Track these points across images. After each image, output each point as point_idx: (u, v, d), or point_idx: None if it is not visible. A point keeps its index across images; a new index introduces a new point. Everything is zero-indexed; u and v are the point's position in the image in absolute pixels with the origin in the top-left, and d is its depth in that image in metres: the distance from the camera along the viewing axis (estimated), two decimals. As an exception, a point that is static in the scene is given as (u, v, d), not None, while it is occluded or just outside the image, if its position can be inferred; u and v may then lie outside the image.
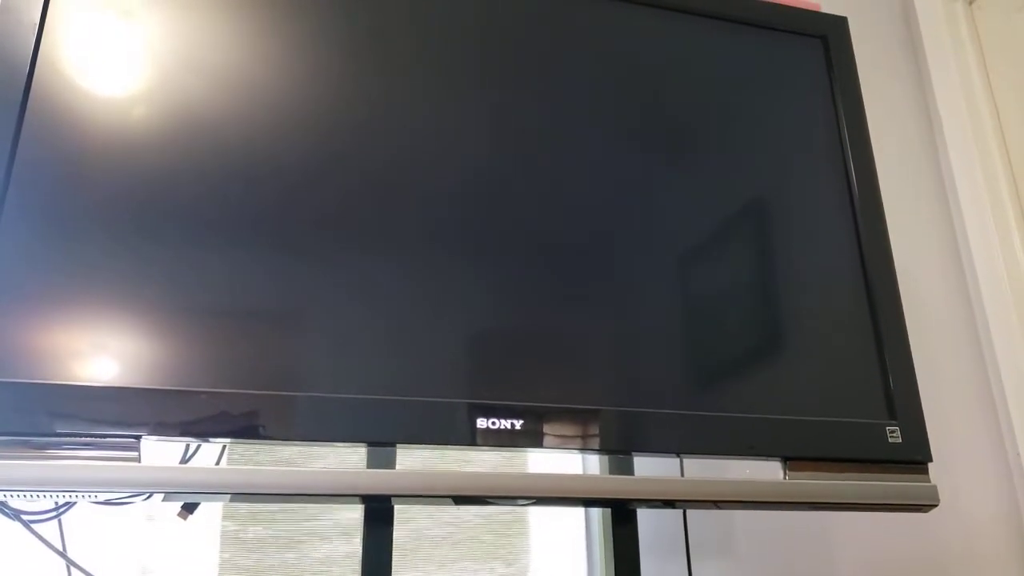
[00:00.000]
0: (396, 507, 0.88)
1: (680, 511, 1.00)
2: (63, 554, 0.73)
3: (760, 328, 0.88)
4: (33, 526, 0.75)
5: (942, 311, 1.39)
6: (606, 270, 0.85)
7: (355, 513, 1.05)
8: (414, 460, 1.09)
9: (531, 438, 0.77)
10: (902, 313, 0.91)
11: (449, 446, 0.77)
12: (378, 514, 0.80)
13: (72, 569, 0.73)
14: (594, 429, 0.78)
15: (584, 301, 0.83)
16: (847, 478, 0.82)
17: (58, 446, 0.64)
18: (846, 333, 0.90)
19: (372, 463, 0.80)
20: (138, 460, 0.66)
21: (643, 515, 0.89)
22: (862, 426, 0.85)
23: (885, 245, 0.95)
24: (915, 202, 1.46)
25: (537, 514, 1.17)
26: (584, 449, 0.81)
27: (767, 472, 0.83)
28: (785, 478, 0.81)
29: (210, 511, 0.95)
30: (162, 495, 0.69)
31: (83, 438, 0.65)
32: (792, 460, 0.82)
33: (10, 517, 0.71)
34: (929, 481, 0.83)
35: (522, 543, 1.13)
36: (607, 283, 0.84)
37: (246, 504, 1.00)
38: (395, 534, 0.81)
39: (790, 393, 0.85)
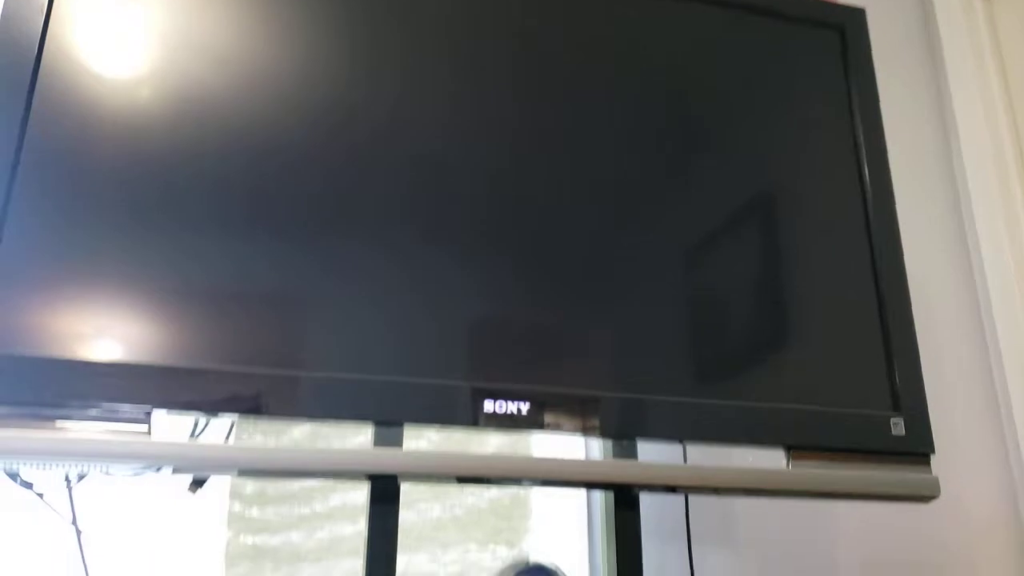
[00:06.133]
0: (401, 489, 0.89)
1: (682, 498, 1.01)
2: (74, 524, 0.75)
3: (767, 318, 0.88)
4: (45, 498, 0.76)
5: (949, 308, 1.39)
6: (615, 256, 0.85)
7: (360, 495, 1.07)
8: (420, 442, 1.10)
9: (536, 422, 0.77)
10: (910, 306, 0.91)
11: (455, 427, 0.78)
12: (384, 493, 0.81)
13: (83, 539, 0.75)
14: (598, 414, 0.79)
15: (592, 287, 0.84)
16: (849, 468, 0.82)
17: (69, 418, 0.65)
18: (853, 325, 0.90)
19: (379, 443, 0.81)
20: (148, 434, 0.67)
21: (645, 500, 0.89)
22: (866, 417, 0.85)
23: (895, 240, 0.95)
24: (926, 198, 1.45)
25: (539, 498, 1.19)
26: (588, 433, 0.82)
27: (770, 461, 0.84)
28: (788, 467, 0.82)
29: (218, 488, 0.96)
30: (171, 468, 0.70)
31: (94, 411, 0.66)
32: (795, 449, 0.83)
33: (24, 487, 0.72)
34: (931, 473, 0.84)
35: (524, 526, 1.14)
36: (615, 270, 0.85)
37: (252, 486, 1.01)
38: (400, 515, 0.82)
39: (795, 383, 0.86)
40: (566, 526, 1.18)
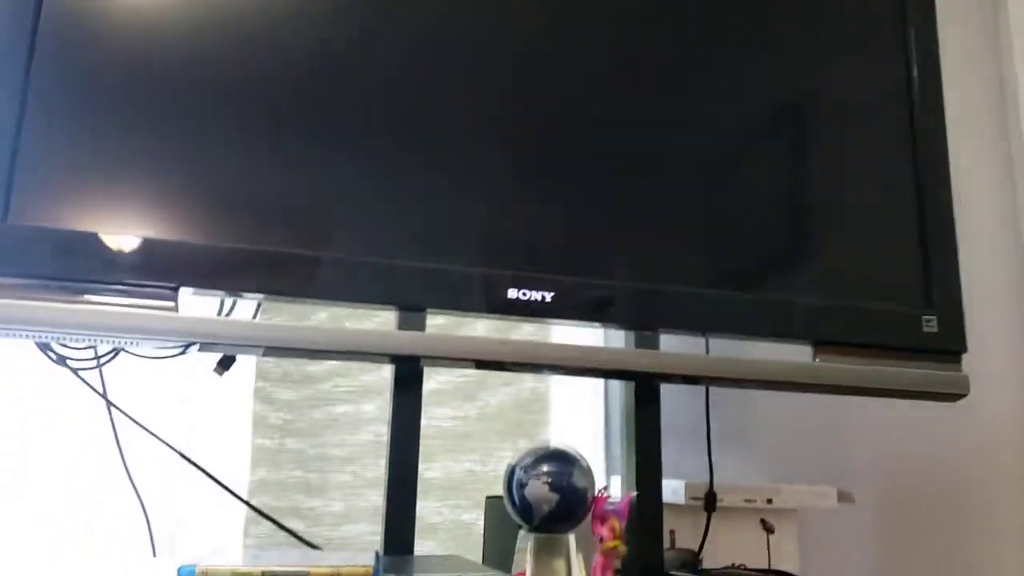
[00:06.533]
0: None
1: (703, 397, 1.01)
2: (104, 396, 0.76)
3: (800, 210, 0.86)
4: (79, 374, 0.78)
5: (986, 214, 1.35)
6: (645, 145, 0.83)
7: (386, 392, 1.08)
8: (442, 330, 1.10)
9: (559, 311, 0.77)
10: (951, 203, 0.89)
11: (478, 314, 0.77)
12: (408, 377, 0.82)
13: (114, 413, 0.77)
14: (621, 304, 0.78)
15: (620, 175, 0.82)
16: (878, 364, 0.81)
17: (97, 292, 0.66)
18: (890, 220, 0.88)
19: (402, 328, 0.81)
20: (175, 311, 0.68)
21: (665, 399, 0.89)
22: (898, 314, 0.84)
23: (940, 135, 0.91)
24: (971, 96, 1.40)
25: (558, 393, 1.19)
26: (610, 324, 0.81)
27: (795, 358, 0.83)
28: (815, 361, 0.81)
29: (244, 371, 0.97)
30: (199, 345, 0.70)
31: (122, 286, 0.66)
32: (822, 344, 0.81)
33: (55, 362, 0.74)
34: (961, 371, 0.83)
35: (543, 420, 1.16)
36: (645, 158, 0.82)
37: (277, 368, 1.03)
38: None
39: (826, 276, 0.84)
40: (583, 423, 1.19)
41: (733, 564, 1.00)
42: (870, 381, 0.80)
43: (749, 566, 0.97)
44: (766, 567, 1.01)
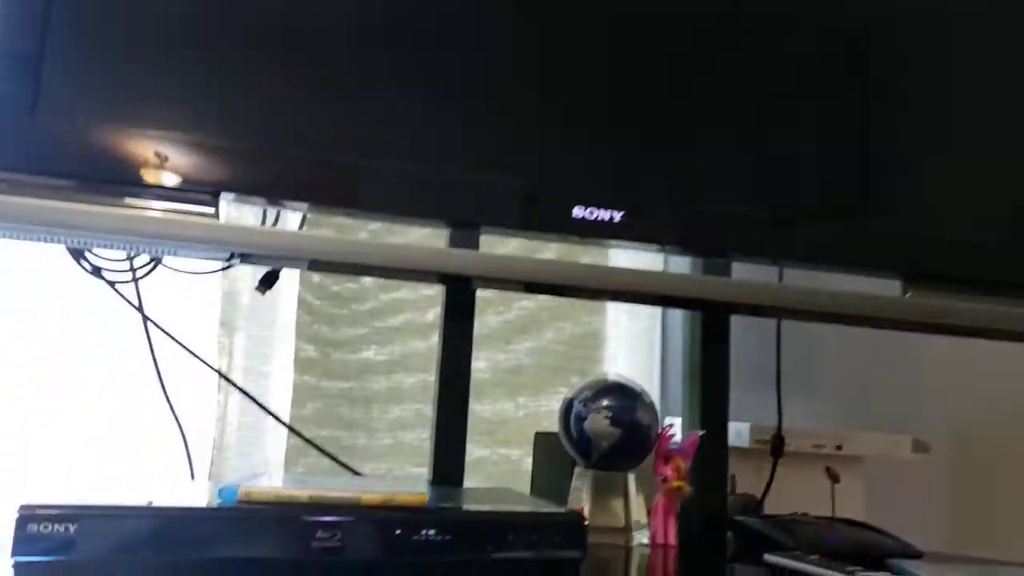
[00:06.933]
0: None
1: (772, 333, 0.94)
2: (140, 310, 0.72)
3: (895, 127, 0.78)
4: (115, 287, 0.74)
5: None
6: (726, 52, 0.75)
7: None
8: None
9: (630, 232, 0.70)
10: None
11: (538, 233, 0.71)
12: (458, 302, 0.77)
13: (150, 327, 0.73)
14: (695, 227, 0.72)
15: (698, 90, 0.74)
16: (973, 301, 0.74)
17: (132, 195, 0.61)
18: (998, 144, 0.79)
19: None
20: (216, 218, 0.63)
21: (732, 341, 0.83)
22: (1000, 249, 0.76)
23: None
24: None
25: (613, 331, 1.13)
26: (682, 248, 0.75)
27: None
28: (905, 296, 0.74)
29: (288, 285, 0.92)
30: (240, 257, 0.66)
31: (159, 189, 0.61)
32: (914, 278, 0.74)
33: (91, 273, 0.70)
34: (1068, 311, 0.75)
35: (595, 357, 1.10)
36: (725, 66, 0.75)
37: (321, 296, 0.98)
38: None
39: (921, 204, 0.77)
40: (639, 362, 1.13)
41: (793, 512, 0.94)
42: (967, 319, 0.73)
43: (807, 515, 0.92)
44: (828, 516, 0.95)
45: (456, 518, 0.50)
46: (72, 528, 0.43)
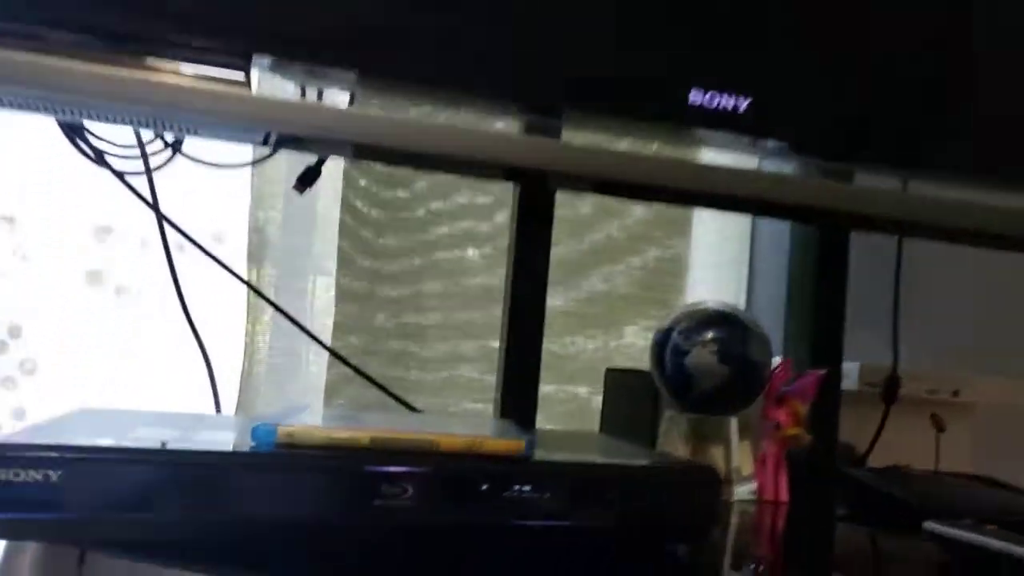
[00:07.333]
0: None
1: (891, 259, 0.80)
2: (155, 208, 0.60)
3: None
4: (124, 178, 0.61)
5: None
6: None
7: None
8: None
9: (751, 125, 0.57)
10: None
11: (643, 124, 0.58)
12: (533, 205, 0.64)
13: (165, 227, 0.60)
14: (825, 124, 0.59)
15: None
16: None
17: (141, 53, 0.48)
18: None
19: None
20: (247, 86, 0.50)
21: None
22: None
23: None
24: None
25: (697, 256, 0.99)
26: (809, 152, 0.62)
27: None
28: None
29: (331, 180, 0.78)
30: (275, 140, 0.53)
31: (177, 47, 0.48)
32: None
33: (93, 160, 0.57)
34: None
35: (677, 285, 0.97)
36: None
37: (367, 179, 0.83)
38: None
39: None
40: (723, 291, 0.99)
41: (896, 465, 0.83)
42: None
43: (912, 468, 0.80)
44: (933, 470, 0.84)
45: (565, 472, 0.38)
46: (55, 476, 0.32)
